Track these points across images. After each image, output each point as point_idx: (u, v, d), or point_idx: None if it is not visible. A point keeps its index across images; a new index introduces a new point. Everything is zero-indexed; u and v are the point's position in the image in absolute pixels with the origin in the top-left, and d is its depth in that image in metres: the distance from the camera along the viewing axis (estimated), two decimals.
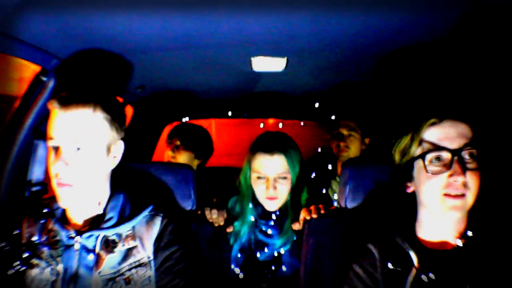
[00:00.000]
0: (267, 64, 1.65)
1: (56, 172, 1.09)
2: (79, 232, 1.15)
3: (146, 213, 1.23)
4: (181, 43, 1.39)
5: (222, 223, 1.53)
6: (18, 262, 1.12)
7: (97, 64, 1.50)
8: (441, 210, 1.01)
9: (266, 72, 1.78)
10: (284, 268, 1.55)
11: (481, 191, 1.00)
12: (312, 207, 1.51)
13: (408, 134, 1.07)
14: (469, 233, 1.04)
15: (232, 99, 2.34)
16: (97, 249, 1.14)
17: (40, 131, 1.37)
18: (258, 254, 1.58)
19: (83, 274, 1.12)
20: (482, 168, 1.01)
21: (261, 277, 1.56)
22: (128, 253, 1.17)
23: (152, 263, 1.18)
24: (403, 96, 1.98)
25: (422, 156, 1.03)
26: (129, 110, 2.22)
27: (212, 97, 2.29)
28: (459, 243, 1.04)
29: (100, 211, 1.20)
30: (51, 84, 1.33)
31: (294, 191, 1.58)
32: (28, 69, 1.32)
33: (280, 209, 1.59)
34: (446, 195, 1.00)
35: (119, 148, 1.20)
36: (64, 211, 1.20)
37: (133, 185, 1.33)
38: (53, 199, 1.18)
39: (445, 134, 1.01)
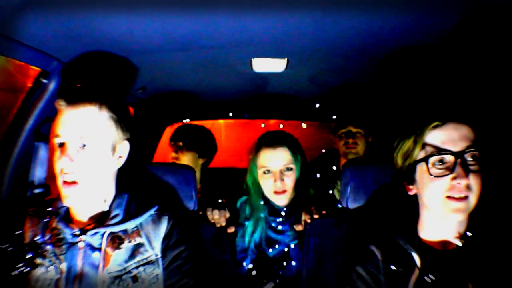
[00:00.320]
0: (268, 65, 1.66)
1: (61, 168, 1.09)
2: (84, 230, 1.14)
3: (152, 211, 1.23)
4: (182, 44, 1.39)
5: (223, 224, 1.53)
6: (22, 264, 1.11)
7: (98, 66, 1.50)
8: (444, 212, 1.01)
9: (267, 73, 1.78)
10: (293, 263, 1.58)
11: (482, 192, 1.00)
12: (313, 208, 1.51)
13: (410, 138, 1.06)
14: (469, 234, 1.05)
15: (232, 100, 2.34)
16: (103, 246, 1.13)
17: (41, 133, 1.37)
18: (270, 250, 1.60)
19: (88, 272, 1.12)
20: (484, 170, 1.01)
21: (272, 273, 1.58)
22: (135, 250, 1.16)
23: (160, 261, 1.18)
24: (405, 98, 1.98)
25: (425, 159, 1.03)
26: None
27: (212, 98, 2.29)
28: (460, 243, 1.04)
29: (106, 208, 1.20)
30: (52, 86, 1.33)
31: (300, 184, 1.61)
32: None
33: (288, 205, 1.62)
34: (449, 197, 1.00)
35: (124, 148, 1.20)
36: (67, 209, 1.20)
37: (136, 185, 1.33)
38: (57, 198, 1.18)
39: (448, 137, 1.01)
